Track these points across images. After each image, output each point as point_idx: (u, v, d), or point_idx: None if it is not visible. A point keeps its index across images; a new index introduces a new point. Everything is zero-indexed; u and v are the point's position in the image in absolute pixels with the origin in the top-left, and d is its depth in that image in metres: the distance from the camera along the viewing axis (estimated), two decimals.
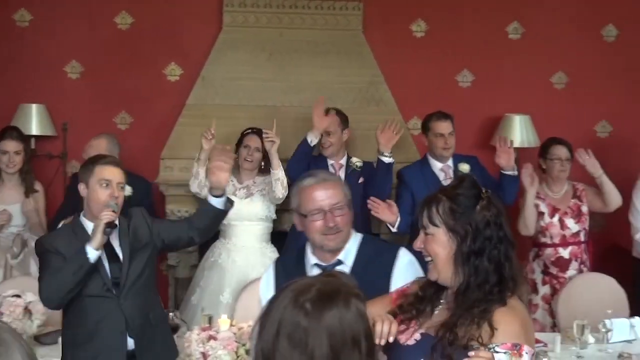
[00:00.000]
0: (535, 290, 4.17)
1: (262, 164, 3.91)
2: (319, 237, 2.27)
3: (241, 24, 4.48)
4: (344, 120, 4.07)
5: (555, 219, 4.05)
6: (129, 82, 4.51)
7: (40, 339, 3.35)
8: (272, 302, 1.42)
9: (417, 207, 1.97)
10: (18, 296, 3.26)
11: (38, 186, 4.18)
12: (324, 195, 2.25)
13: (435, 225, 1.85)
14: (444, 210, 1.85)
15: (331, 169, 3.99)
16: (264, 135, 3.79)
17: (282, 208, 3.98)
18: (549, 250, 4.12)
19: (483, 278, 1.85)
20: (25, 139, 4.17)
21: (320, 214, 2.21)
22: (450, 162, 3.98)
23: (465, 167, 4.10)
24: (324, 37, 4.54)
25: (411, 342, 1.97)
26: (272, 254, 3.86)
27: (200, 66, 4.47)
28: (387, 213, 3.60)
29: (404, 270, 2.26)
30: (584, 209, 4.07)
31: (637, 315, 3.64)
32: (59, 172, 4.39)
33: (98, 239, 2.58)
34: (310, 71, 4.50)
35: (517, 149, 4.33)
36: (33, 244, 3.74)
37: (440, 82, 4.68)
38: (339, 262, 2.30)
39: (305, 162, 3.94)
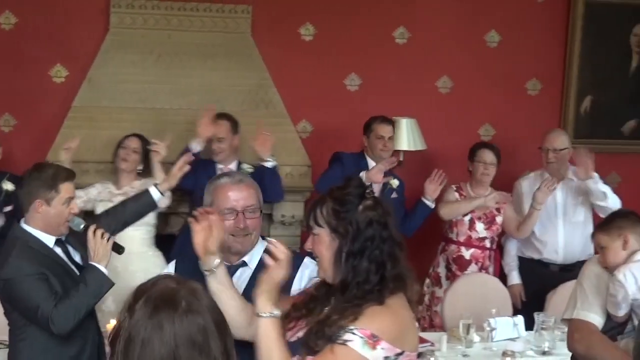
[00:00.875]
0: (439, 283, 4.41)
1: (141, 168, 3.98)
2: (227, 237, 2.28)
3: (129, 25, 4.51)
4: (234, 126, 4.19)
5: (467, 218, 4.30)
6: (12, 84, 4.51)
7: None
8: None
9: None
10: None
11: None
12: (238, 196, 2.28)
13: (319, 225, 1.93)
14: (327, 211, 1.92)
15: None
16: (152, 146, 3.88)
17: (171, 212, 4.11)
18: (452, 247, 4.36)
19: (363, 278, 1.91)
20: None
21: (232, 214, 2.24)
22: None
23: (395, 182, 4.33)
24: (212, 40, 4.61)
25: (293, 339, 2.05)
26: (155, 258, 3.96)
27: (87, 68, 4.49)
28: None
29: (306, 277, 2.31)
30: (498, 219, 4.28)
31: (520, 315, 3.90)
32: None
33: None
34: (198, 74, 4.59)
35: (404, 152, 4.64)
36: None
37: (328, 86, 4.86)
38: (244, 264, 2.34)
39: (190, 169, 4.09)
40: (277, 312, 1.90)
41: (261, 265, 2.27)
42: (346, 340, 1.90)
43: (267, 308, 1.90)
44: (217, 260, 2.03)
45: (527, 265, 4.46)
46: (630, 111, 5.34)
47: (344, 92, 4.93)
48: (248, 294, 2.00)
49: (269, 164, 4.18)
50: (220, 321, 1.43)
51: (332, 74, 4.89)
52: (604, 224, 2.89)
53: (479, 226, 4.31)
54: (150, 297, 1.39)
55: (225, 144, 4.14)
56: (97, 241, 2.70)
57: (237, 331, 1.83)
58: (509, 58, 5.07)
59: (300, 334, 2.03)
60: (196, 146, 4.03)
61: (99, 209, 3.74)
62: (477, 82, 5.03)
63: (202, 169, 3.91)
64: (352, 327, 1.89)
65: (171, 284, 1.41)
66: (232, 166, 4.24)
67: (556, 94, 5.26)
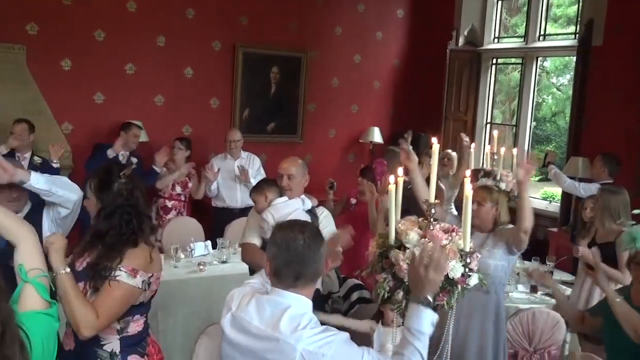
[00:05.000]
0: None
1: None
2: (7, 204, 2.64)
3: None
4: (31, 126, 5.34)
5: (170, 183, 6.00)
6: None
7: None
8: None
9: None
10: None
11: None
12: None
13: (87, 196, 2.59)
14: (94, 183, 2.54)
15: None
16: None
17: None
18: (160, 200, 5.95)
19: (117, 230, 2.47)
20: None
21: None
22: None
23: (134, 160, 5.65)
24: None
25: (80, 268, 2.53)
26: None
27: None
28: None
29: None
30: (189, 185, 6.07)
31: (209, 240, 5.26)
32: None
33: None
34: None
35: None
36: None
37: (82, 99, 6.47)
38: None
39: None
40: (68, 269, 2.29)
41: None
42: (116, 276, 2.40)
43: (62, 266, 2.29)
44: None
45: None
46: (270, 117, 7.66)
47: (94, 104, 6.58)
48: None
49: (54, 165, 5.32)
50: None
51: (86, 92, 6.49)
52: (255, 186, 3.85)
53: (178, 188, 6.02)
54: None
55: (24, 141, 5.22)
56: None
57: None
58: (198, 84, 7.14)
59: (84, 264, 2.51)
60: (3, 150, 5.08)
61: None
62: (180, 98, 7.03)
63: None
64: (119, 266, 2.41)
65: None
66: (27, 155, 5.30)
67: (227, 108, 7.37)
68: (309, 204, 3.73)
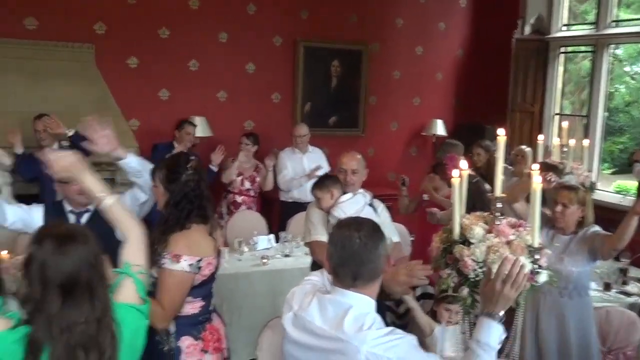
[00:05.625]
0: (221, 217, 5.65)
1: None
2: (77, 197, 2.88)
3: (9, 55, 5.87)
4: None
5: (239, 177, 5.80)
6: None
7: None
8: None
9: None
10: None
11: None
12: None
13: (155, 184, 2.65)
14: (162, 174, 2.60)
15: None
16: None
17: None
18: (229, 196, 5.88)
19: (176, 216, 2.54)
20: None
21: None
22: None
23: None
24: (69, 66, 6.09)
25: None
26: None
27: None
28: None
29: None
30: (257, 179, 5.92)
31: (272, 234, 5.30)
32: None
33: None
34: (60, 89, 5.97)
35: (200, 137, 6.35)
36: None
37: (148, 96, 6.61)
38: (87, 210, 2.96)
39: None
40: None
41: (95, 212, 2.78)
42: (162, 264, 2.50)
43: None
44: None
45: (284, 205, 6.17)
46: (331, 111, 7.66)
47: (160, 100, 6.72)
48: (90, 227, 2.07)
49: (70, 133, 5.05)
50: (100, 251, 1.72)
51: (151, 89, 6.63)
52: (319, 183, 3.64)
53: (247, 183, 5.91)
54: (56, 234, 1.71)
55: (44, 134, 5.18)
56: None
57: None
58: (262, 80, 7.18)
59: None
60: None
61: None
62: (242, 94, 7.10)
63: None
64: (164, 253, 2.50)
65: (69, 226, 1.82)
66: (55, 146, 5.08)
67: (289, 102, 7.39)
68: (368, 197, 3.67)
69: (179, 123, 5.98)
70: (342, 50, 7.58)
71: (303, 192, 6.12)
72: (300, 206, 5.92)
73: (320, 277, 2.32)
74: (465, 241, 2.12)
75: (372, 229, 2.06)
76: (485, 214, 2.22)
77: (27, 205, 2.94)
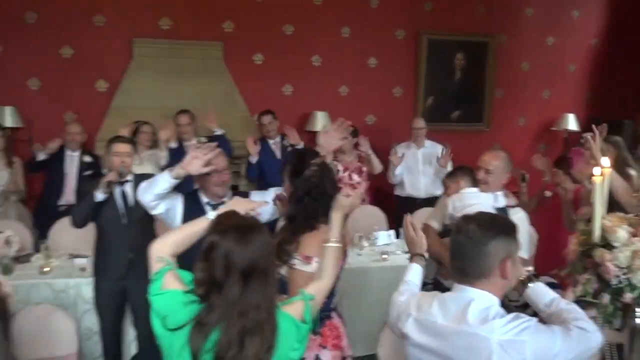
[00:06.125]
0: None
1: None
2: (214, 187, 3.05)
3: (145, 54, 6.24)
4: (192, 116, 5.59)
5: (346, 173, 5.75)
6: (73, 91, 6.14)
7: (18, 259, 4.36)
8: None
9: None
10: (0, 232, 4.33)
11: (16, 159, 5.48)
12: (217, 161, 3.06)
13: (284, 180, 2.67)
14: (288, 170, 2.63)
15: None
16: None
17: None
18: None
19: (303, 215, 2.54)
20: (2, 128, 5.48)
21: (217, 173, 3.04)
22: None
23: (286, 142, 5.70)
24: (199, 63, 6.33)
25: None
26: None
27: (120, 82, 6.16)
28: None
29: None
30: (364, 169, 5.85)
31: (392, 229, 5.20)
32: (27, 151, 5.85)
33: (103, 189, 3.69)
34: (191, 85, 6.21)
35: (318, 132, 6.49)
36: (12, 198, 5.38)
37: (271, 91, 6.72)
38: (222, 202, 3.02)
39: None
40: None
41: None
42: (293, 265, 2.52)
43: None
44: None
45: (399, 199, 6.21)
46: (454, 105, 7.47)
47: (283, 95, 6.83)
48: None
49: (217, 132, 5.43)
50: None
51: (275, 84, 6.75)
52: (450, 172, 3.70)
53: (355, 177, 5.80)
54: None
55: (187, 128, 5.53)
56: None
57: None
58: (383, 75, 7.11)
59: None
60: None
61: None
62: (363, 88, 7.06)
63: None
64: (295, 254, 2.52)
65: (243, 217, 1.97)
66: (193, 141, 5.38)
67: (411, 96, 7.27)
68: (502, 201, 3.46)
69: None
70: (467, 42, 7.36)
71: (416, 188, 6.09)
72: (413, 202, 5.96)
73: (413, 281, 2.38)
74: (607, 244, 1.96)
75: (487, 226, 1.98)
76: (630, 215, 2.05)
77: (171, 193, 3.08)
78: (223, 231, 1.86)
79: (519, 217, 3.35)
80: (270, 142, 5.90)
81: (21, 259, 4.39)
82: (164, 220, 3.19)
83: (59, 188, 5.53)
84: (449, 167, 5.65)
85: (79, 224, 3.78)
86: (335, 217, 2.38)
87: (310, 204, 2.55)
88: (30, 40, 6.06)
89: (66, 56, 6.22)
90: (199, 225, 2.18)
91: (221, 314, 1.80)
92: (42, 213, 5.56)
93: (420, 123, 6.22)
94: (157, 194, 3.01)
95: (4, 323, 1.63)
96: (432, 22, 7.19)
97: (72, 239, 4.89)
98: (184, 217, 3.07)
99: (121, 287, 3.81)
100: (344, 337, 2.76)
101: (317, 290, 2.15)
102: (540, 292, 2.10)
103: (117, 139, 3.92)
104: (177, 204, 3.10)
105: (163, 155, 5.41)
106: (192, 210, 2.95)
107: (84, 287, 4.12)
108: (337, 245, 2.30)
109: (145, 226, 3.63)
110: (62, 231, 5.00)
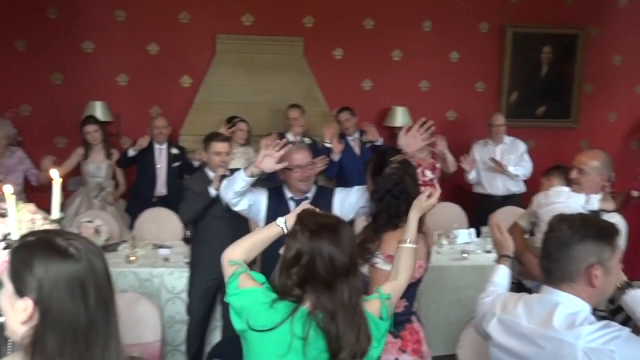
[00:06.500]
0: None
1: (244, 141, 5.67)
2: (297, 183, 3.04)
3: (227, 50, 6.34)
4: (302, 111, 5.79)
5: (419, 170, 5.65)
6: (157, 87, 6.34)
7: (106, 247, 4.47)
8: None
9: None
10: (90, 221, 4.61)
11: (114, 151, 5.75)
12: (300, 156, 3.06)
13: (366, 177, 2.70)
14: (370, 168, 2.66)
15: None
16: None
17: None
18: None
19: (386, 214, 2.52)
20: (99, 122, 5.74)
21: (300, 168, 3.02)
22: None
23: (364, 139, 5.70)
24: (280, 59, 6.39)
25: None
26: None
27: (203, 77, 6.30)
28: None
29: (338, 200, 3.05)
30: (437, 166, 5.73)
31: (472, 227, 5.15)
32: (116, 144, 6.10)
33: (215, 183, 3.73)
34: (272, 80, 6.30)
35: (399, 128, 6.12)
36: (108, 189, 5.65)
37: (351, 86, 6.70)
38: (306, 198, 3.06)
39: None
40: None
41: (315, 196, 3.01)
42: (375, 263, 2.52)
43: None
44: None
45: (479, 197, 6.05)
46: (540, 101, 7.20)
47: (362, 90, 6.80)
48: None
49: (327, 145, 5.49)
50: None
51: (354, 79, 6.73)
52: (546, 172, 3.75)
53: (428, 173, 5.62)
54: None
55: (299, 122, 5.70)
56: None
57: None
58: (465, 69, 6.93)
59: None
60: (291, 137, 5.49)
61: None
62: (444, 83, 6.93)
63: None
64: (377, 253, 2.52)
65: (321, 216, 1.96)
66: (299, 137, 5.61)
67: (494, 91, 7.06)
68: (595, 204, 3.25)
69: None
70: (554, 35, 7.05)
71: (494, 186, 5.95)
72: (492, 199, 5.83)
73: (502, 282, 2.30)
74: None
75: (577, 227, 1.90)
76: None
77: (254, 188, 3.14)
78: (316, 231, 1.85)
79: (614, 222, 3.14)
80: (349, 138, 5.89)
81: (109, 247, 4.55)
82: (247, 215, 3.23)
83: (151, 180, 5.72)
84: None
85: (189, 220, 3.87)
86: (413, 217, 2.36)
87: (392, 202, 2.52)
88: (119, 37, 6.29)
89: (153, 53, 6.42)
90: (270, 231, 2.19)
91: (332, 316, 1.82)
92: (135, 204, 5.74)
93: (499, 120, 6.05)
94: (236, 191, 3.03)
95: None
96: (518, 15, 6.94)
97: (156, 230, 5.10)
98: (268, 211, 3.09)
99: (217, 280, 3.84)
100: (424, 342, 2.72)
101: (392, 289, 2.13)
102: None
103: (217, 137, 3.94)
104: (262, 199, 3.12)
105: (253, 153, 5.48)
106: (276, 205, 3.00)
107: (167, 277, 4.25)
108: (412, 246, 2.28)
109: (243, 220, 3.64)
110: (147, 222, 5.24)
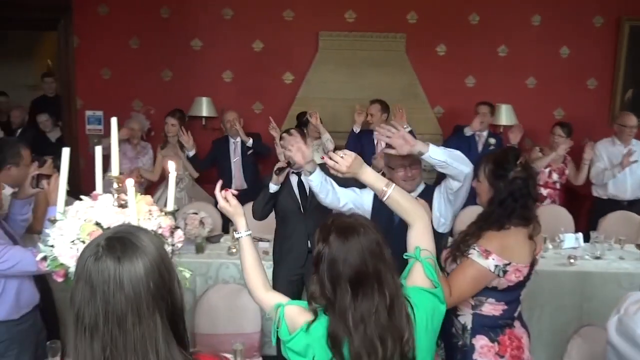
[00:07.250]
0: None
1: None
2: (401, 182, 2.98)
3: (330, 47, 6.40)
4: (384, 107, 5.60)
5: (546, 170, 5.52)
6: (260, 83, 6.47)
7: (209, 239, 4.62)
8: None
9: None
10: (195, 213, 4.69)
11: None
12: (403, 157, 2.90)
13: (478, 179, 2.56)
14: (487, 169, 2.51)
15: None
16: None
17: None
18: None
19: (500, 215, 2.42)
20: (181, 117, 5.71)
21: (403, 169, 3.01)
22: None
23: (492, 140, 5.53)
24: (381, 55, 6.37)
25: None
26: None
27: (305, 74, 6.40)
28: None
29: (437, 200, 2.96)
30: (566, 172, 5.62)
31: (580, 232, 4.94)
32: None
33: (274, 178, 3.74)
34: (372, 77, 6.30)
35: (503, 127, 6.21)
36: (186, 180, 5.64)
37: (454, 83, 6.57)
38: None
39: (354, 138, 5.54)
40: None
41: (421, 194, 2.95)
42: (469, 254, 2.44)
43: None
44: None
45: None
46: None
47: (465, 87, 6.67)
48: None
49: (406, 129, 5.03)
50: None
51: (457, 76, 6.61)
52: None
53: (554, 176, 5.61)
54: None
55: (375, 119, 5.48)
56: None
57: None
58: (575, 65, 6.63)
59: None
60: (358, 128, 5.61)
61: None
62: (553, 80, 6.65)
63: (365, 137, 5.50)
64: (474, 245, 2.44)
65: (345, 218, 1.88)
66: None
67: (607, 89, 6.73)
68: None
69: (478, 103, 5.82)
70: None
71: (621, 189, 5.61)
72: (615, 204, 5.55)
73: None
74: None
75: None
76: None
77: (359, 189, 3.10)
78: (324, 238, 1.80)
79: None
80: (476, 133, 5.72)
81: (212, 239, 4.65)
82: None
83: (228, 175, 5.72)
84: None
85: (259, 216, 3.90)
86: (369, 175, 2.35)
87: (510, 205, 2.43)
88: (226, 35, 6.47)
89: (257, 50, 6.55)
90: (247, 250, 2.19)
91: (340, 327, 1.75)
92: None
93: (633, 120, 5.64)
94: (315, 192, 3.07)
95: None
96: (636, 7, 6.53)
97: (255, 223, 5.13)
98: (372, 208, 3.06)
99: (299, 276, 3.87)
100: (526, 349, 2.59)
101: (423, 240, 2.06)
102: None
103: (288, 132, 3.98)
104: (367, 197, 3.07)
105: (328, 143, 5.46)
106: (380, 202, 2.95)
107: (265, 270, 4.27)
108: (391, 189, 2.22)
109: (323, 215, 3.60)
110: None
